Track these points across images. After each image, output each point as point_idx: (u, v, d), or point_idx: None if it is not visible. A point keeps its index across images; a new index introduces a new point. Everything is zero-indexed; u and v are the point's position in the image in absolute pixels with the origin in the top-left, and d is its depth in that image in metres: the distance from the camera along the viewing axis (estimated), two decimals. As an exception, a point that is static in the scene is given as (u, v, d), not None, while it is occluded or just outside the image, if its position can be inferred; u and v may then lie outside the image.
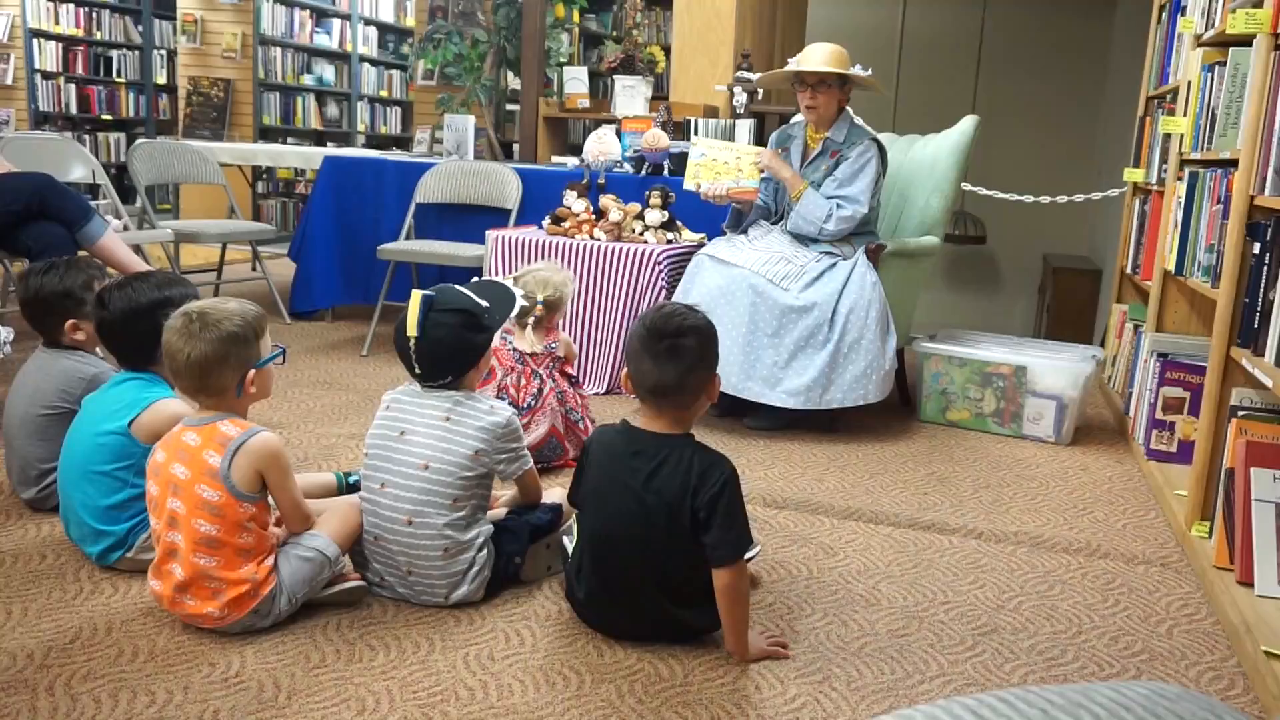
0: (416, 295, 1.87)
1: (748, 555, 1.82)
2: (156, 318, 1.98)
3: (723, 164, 3.29)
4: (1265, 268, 2.06)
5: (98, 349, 2.29)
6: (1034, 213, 5.64)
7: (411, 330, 1.86)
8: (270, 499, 1.82)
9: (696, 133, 4.32)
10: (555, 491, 2.20)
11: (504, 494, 2.13)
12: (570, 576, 1.86)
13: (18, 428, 2.24)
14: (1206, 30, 2.87)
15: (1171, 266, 2.89)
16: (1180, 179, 2.89)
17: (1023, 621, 1.99)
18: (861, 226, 3.25)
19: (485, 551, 1.91)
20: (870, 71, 3.20)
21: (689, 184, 3.32)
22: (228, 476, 1.73)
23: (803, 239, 3.24)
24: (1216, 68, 2.62)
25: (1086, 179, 6.47)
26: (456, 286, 1.95)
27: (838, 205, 3.15)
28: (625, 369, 1.82)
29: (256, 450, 1.75)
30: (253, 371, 1.81)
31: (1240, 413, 2.16)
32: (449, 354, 1.89)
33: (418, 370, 1.90)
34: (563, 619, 1.89)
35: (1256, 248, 2.11)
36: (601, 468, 1.80)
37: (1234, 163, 2.36)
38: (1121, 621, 2.02)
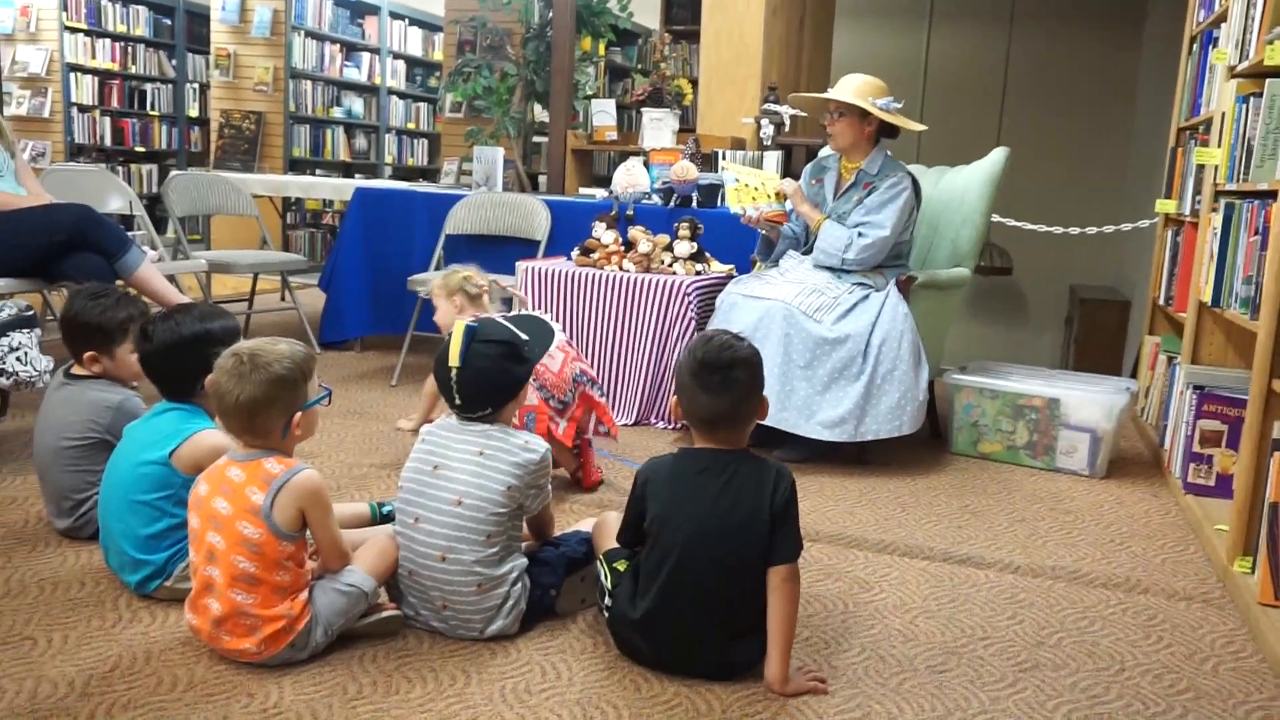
0: (460, 325, 1.89)
1: None
2: (199, 350, 2.01)
3: (754, 189, 3.34)
4: (1307, 300, 2.04)
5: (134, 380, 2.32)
6: (1060, 243, 5.62)
7: (454, 360, 1.87)
8: (309, 535, 1.83)
9: (724, 159, 4.34)
10: (588, 522, 2.19)
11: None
12: (621, 600, 1.84)
13: (50, 460, 2.26)
14: (1241, 61, 2.86)
15: (1207, 298, 2.87)
16: (1215, 210, 2.88)
17: (1064, 658, 1.96)
18: (893, 259, 3.25)
19: (520, 585, 1.91)
20: (902, 105, 3.21)
21: (735, 208, 3.40)
22: (269, 515, 1.74)
23: (835, 270, 3.24)
24: (1252, 99, 2.61)
25: (1113, 210, 6.44)
26: (497, 319, 1.97)
27: (859, 234, 3.15)
28: (674, 398, 1.87)
29: (300, 488, 1.76)
30: (299, 414, 1.82)
31: (1283, 446, 2.13)
32: (490, 385, 1.90)
33: (458, 401, 1.91)
34: (599, 652, 1.88)
35: (1298, 280, 2.09)
36: (666, 493, 1.81)
37: (1272, 194, 2.35)
38: (1165, 658, 1.98)
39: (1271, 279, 2.22)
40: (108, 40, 8.52)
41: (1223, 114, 2.94)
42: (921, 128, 3.28)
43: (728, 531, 1.76)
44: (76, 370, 2.31)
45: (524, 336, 1.96)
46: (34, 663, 1.75)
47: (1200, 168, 3.26)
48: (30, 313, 2.72)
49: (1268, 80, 2.49)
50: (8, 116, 7.60)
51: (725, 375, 1.79)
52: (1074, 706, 1.78)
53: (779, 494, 1.77)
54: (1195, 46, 3.76)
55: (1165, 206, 3.86)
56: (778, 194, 3.34)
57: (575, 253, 3.76)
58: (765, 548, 1.76)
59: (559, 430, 2.64)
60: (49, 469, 2.27)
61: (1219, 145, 2.95)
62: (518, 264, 3.74)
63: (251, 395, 1.75)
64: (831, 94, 3.21)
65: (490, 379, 1.90)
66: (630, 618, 1.81)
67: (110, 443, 2.16)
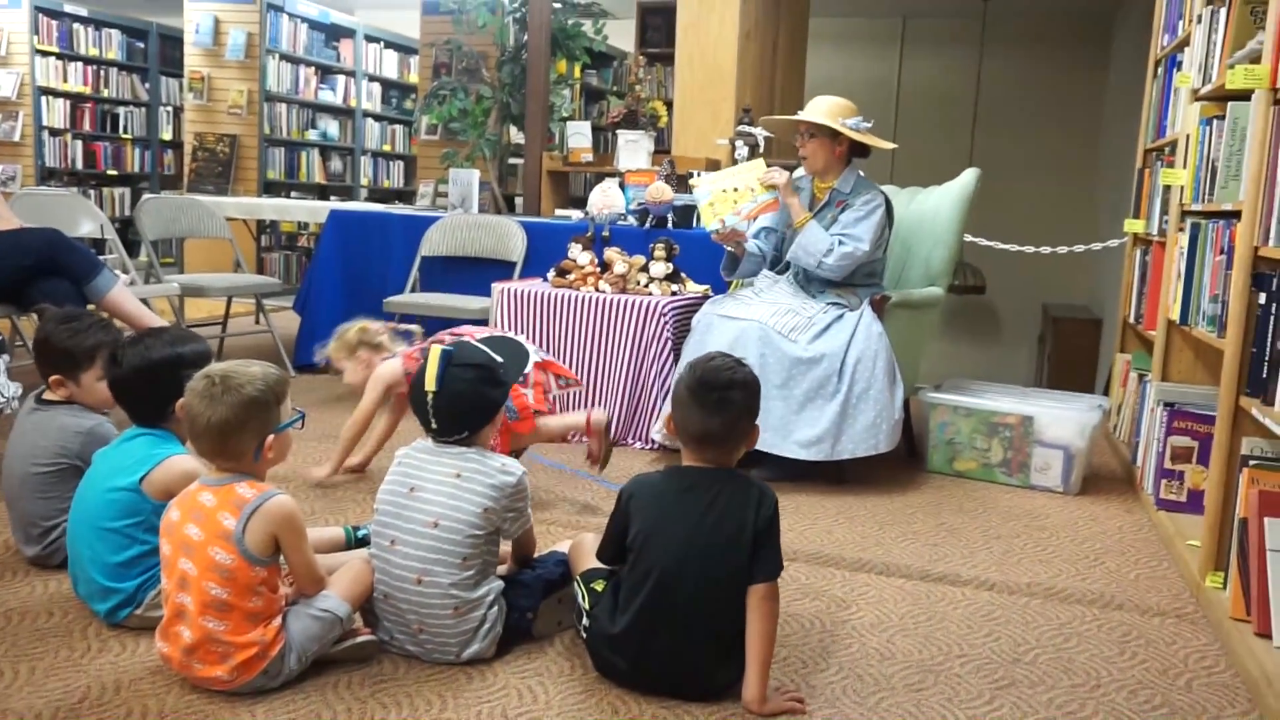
0: (436, 350, 1.89)
1: None
2: (170, 374, 1.99)
3: (734, 190, 3.27)
4: (1272, 317, 2.08)
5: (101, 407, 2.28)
6: (1033, 263, 5.69)
7: (430, 385, 1.87)
8: (283, 560, 1.81)
9: (695, 177, 4.35)
10: (565, 544, 2.18)
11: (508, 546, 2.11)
12: (600, 618, 1.83)
13: (18, 487, 2.23)
14: (1204, 85, 2.92)
15: (1176, 316, 2.91)
16: (1182, 230, 2.92)
17: (1040, 675, 1.97)
18: (867, 278, 3.28)
19: (496, 608, 1.90)
20: (872, 124, 3.25)
21: (711, 225, 3.26)
22: (241, 540, 1.72)
23: (809, 289, 3.26)
24: (1215, 121, 2.66)
25: (1085, 229, 6.53)
26: (473, 342, 1.97)
27: (839, 242, 3.17)
28: (669, 413, 1.89)
29: (272, 513, 1.74)
30: (271, 436, 1.80)
31: (1252, 462, 2.15)
32: (467, 409, 1.90)
33: (434, 425, 1.90)
34: (576, 675, 1.87)
35: (1263, 298, 2.13)
36: (651, 510, 1.83)
37: (1236, 214, 2.39)
38: (1140, 674, 2.00)
39: (1237, 297, 2.26)
40: (79, 63, 8.47)
41: (1187, 136, 2.99)
42: (892, 146, 3.32)
43: (712, 550, 1.76)
44: (48, 395, 2.28)
45: (499, 359, 1.96)
46: (0, 695, 1.72)
47: (1167, 188, 3.31)
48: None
49: (1230, 103, 2.54)
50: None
51: (722, 395, 1.80)
52: (1050, 723, 1.79)
53: (763, 513, 1.78)
54: (1160, 70, 3.83)
55: (1134, 226, 3.91)
56: (769, 185, 3.28)
57: (551, 274, 3.76)
58: (751, 553, 1.76)
59: (529, 399, 2.68)
60: (18, 496, 2.24)
61: (1184, 166, 3.01)
62: (494, 285, 3.74)
63: (223, 417, 1.74)
64: (802, 116, 3.24)
65: (467, 403, 1.90)
66: (609, 633, 1.80)
67: (80, 469, 2.13)
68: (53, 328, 2.25)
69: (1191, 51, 3.15)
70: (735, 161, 4.61)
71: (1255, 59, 2.33)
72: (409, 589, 1.85)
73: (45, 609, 2.05)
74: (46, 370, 2.26)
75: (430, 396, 1.88)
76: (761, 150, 4.67)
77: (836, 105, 3.23)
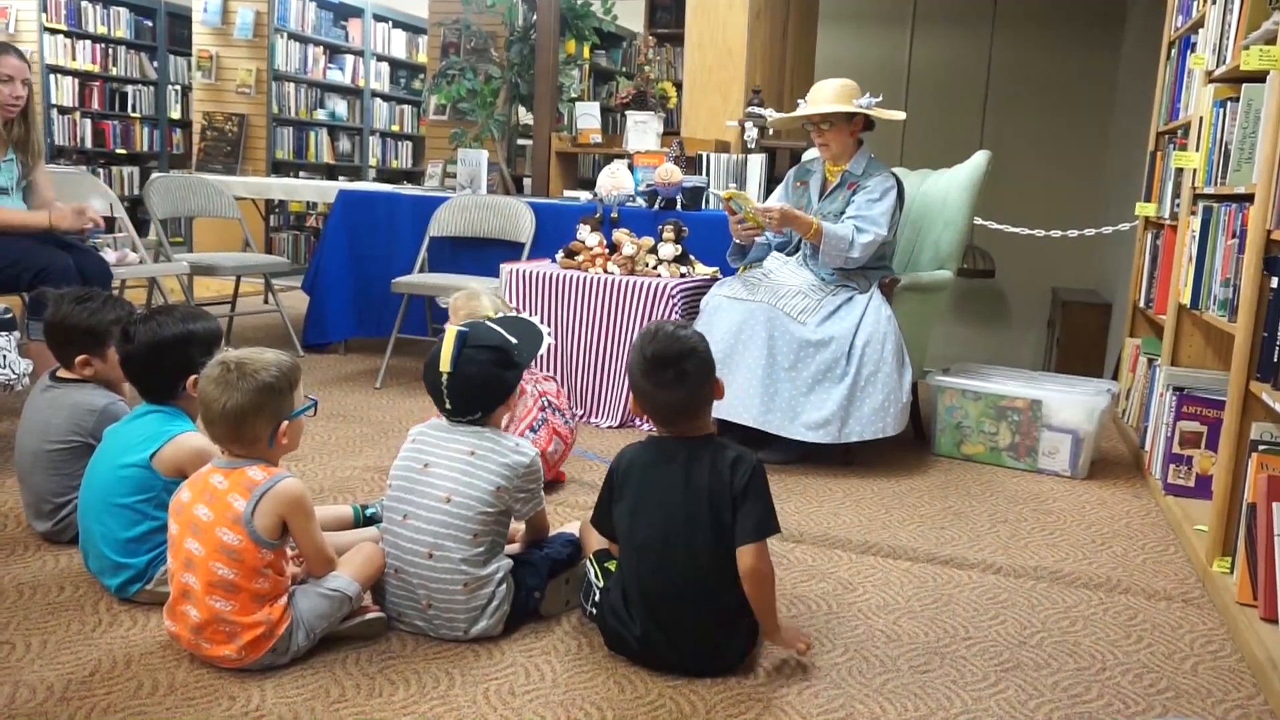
0: (452, 331, 1.89)
1: None
2: (180, 351, 2.00)
3: (749, 211, 3.21)
4: (1284, 302, 2.07)
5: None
6: (1042, 246, 5.66)
7: (445, 366, 1.87)
8: (292, 541, 1.82)
9: (708, 171, 4.33)
10: (574, 524, 2.19)
11: (520, 527, 2.12)
12: (612, 589, 1.85)
13: (30, 463, 2.24)
14: (1218, 66, 2.89)
15: (1186, 300, 2.90)
16: (1194, 213, 2.90)
17: (1045, 658, 1.97)
18: (877, 260, 3.26)
19: (504, 586, 1.91)
20: (880, 98, 3.22)
21: (765, 227, 3.25)
22: (250, 522, 1.73)
23: (818, 272, 3.25)
24: (1229, 103, 2.64)
25: (1094, 213, 6.49)
26: (488, 323, 1.97)
27: (857, 229, 3.14)
28: (631, 396, 1.89)
29: (281, 496, 1.75)
30: (285, 423, 1.81)
31: (1261, 447, 2.15)
32: (481, 390, 1.91)
33: (448, 405, 1.91)
34: (583, 654, 1.88)
35: (1275, 282, 2.12)
36: (633, 484, 1.85)
37: (1249, 197, 2.37)
38: (1145, 658, 2.00)
39: (1249, 281, 2.24)
40: (88, 42, 8.47)
41: (1200, 118, 2.97)
42: (901, 116, 3.28)
43: (696, 521, 1.78)
44: (62, 373, 2.29)
45: (514, 340, 1.96)
46: (12, 668, 1.73)
47: (1179, 171, 3.29)
48: (9, 315, 2.70)
49: (1244, 85, 2.52)
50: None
51: (678, 369, 1.81)
52: (1055, 706, 1.79)
53: (739, 476, 1.79)
54: (1173, 51, 3.79)
55: (1145, 210, 3.89)
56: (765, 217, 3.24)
57: (560, 255, 3.76)
58: (732, 521, 1.78)
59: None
60: (30, 472, 2.25)
61: (1197, 149, 2.98)
62: (502, 266, 3.74)
63: (239, 403, 1.75)
64: (818, 108, 3.19)
65: (481, 384, 1.91)
66: (617, 608, 1.83)
67: (93, 447, 2.14)
68: (69, 308, 2.24)
69: (1206, 32, 3.12)
70: (745, 145, 4.60)
71: (1270, 40, 2.31)
72: (420, 563, 1.86)
73: (57, 583, 2.07)
74: (68, 352, 2.25)
75: (444, 377, 1.88)
76: (771, 132, 4.65)
77: (845, 88, 3.21)
